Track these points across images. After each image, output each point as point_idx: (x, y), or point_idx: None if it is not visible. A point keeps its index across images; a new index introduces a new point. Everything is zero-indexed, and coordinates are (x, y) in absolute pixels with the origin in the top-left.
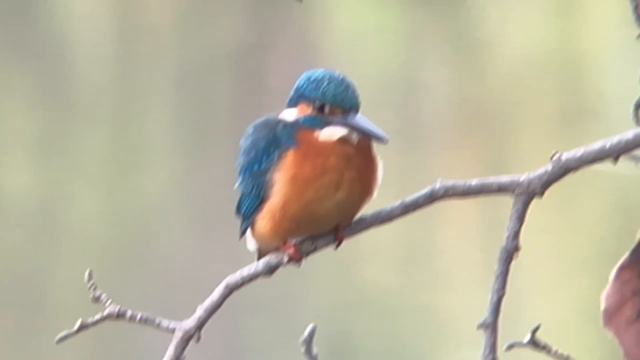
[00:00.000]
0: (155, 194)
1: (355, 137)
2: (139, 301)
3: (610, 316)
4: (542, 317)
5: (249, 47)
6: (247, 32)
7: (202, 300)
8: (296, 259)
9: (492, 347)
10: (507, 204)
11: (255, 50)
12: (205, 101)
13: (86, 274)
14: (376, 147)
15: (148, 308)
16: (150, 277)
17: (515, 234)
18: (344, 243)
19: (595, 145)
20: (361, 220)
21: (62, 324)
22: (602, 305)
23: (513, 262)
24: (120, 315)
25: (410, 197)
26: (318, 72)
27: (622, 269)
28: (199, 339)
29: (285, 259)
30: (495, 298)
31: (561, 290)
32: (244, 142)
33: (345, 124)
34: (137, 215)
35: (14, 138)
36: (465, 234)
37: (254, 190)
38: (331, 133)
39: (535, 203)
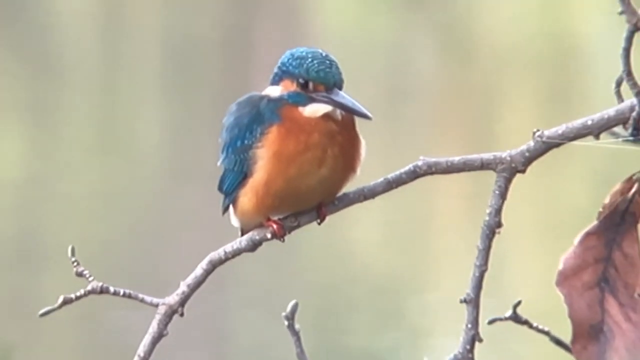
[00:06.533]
0: (140, 169)
1: (339, 114)
2: (124, 277)
3: (566, 278)
4: (524, 292)
5: (235, 23)
6: (234, 9)
7: (186, 277)
8: (280, 235)
9: (474, 322)
10: (491, 178)
11: (241, 28)
12: (191, 78)
13: (69, 250)
14: (360, 124)
15: (132, 284)
16: (135, 253)
17: (498, 211)
18: (328, 219)
19: (577, 122)
20: (344, 196)
21: (49, 287)
22: (560, 267)
23: (495, 238)
24: (103, 291)
25: (393, 174)
26: (301, 49)
27: (588, 235)
28: (182, 314)
29: (269, 235)
30: (477, 273)
31: (543, 266)
32: (227, 120)
33: (329, 101)
34: (121, 191)
35: (2, 106)
36: (449, 209)
37: (236, 167)
38: (315, 109)
39: (517, 178)
